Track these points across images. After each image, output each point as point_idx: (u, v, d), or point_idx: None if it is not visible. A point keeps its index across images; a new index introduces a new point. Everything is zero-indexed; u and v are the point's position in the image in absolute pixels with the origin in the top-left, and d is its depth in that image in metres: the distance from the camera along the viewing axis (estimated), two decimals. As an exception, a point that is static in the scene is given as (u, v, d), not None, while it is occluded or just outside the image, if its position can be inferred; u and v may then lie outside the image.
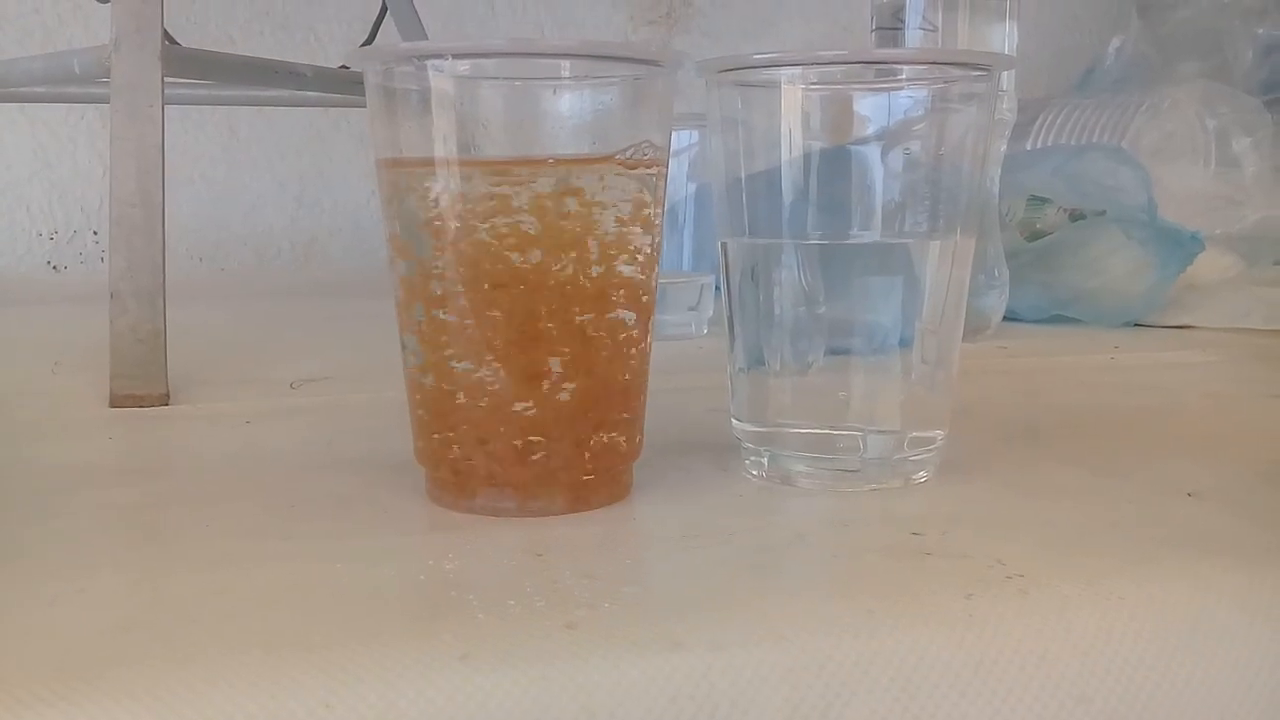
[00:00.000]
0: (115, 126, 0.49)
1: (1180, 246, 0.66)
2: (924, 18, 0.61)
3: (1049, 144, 0.84)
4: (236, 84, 0.72)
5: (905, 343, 0.35)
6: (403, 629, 0.25)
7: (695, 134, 0.69)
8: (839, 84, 0.35)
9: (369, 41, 0.86)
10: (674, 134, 0.68)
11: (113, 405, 0.46)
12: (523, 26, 1.09)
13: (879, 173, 0.35)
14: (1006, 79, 0.61)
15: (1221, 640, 0.27)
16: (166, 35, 0.82)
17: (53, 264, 1.03)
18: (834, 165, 0.34)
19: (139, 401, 0.47)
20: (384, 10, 0.83)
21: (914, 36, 0.61)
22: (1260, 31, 0.90)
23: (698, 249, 0.70)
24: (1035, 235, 0.69)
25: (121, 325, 0.47)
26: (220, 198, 1.05)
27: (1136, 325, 0.67)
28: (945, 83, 0.35)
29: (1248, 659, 0.27)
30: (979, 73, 0.35)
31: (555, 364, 0.32)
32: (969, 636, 0.25)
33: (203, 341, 0.63)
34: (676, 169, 0.69)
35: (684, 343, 0.62)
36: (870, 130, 0.35)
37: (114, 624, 0.25)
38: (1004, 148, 0.63)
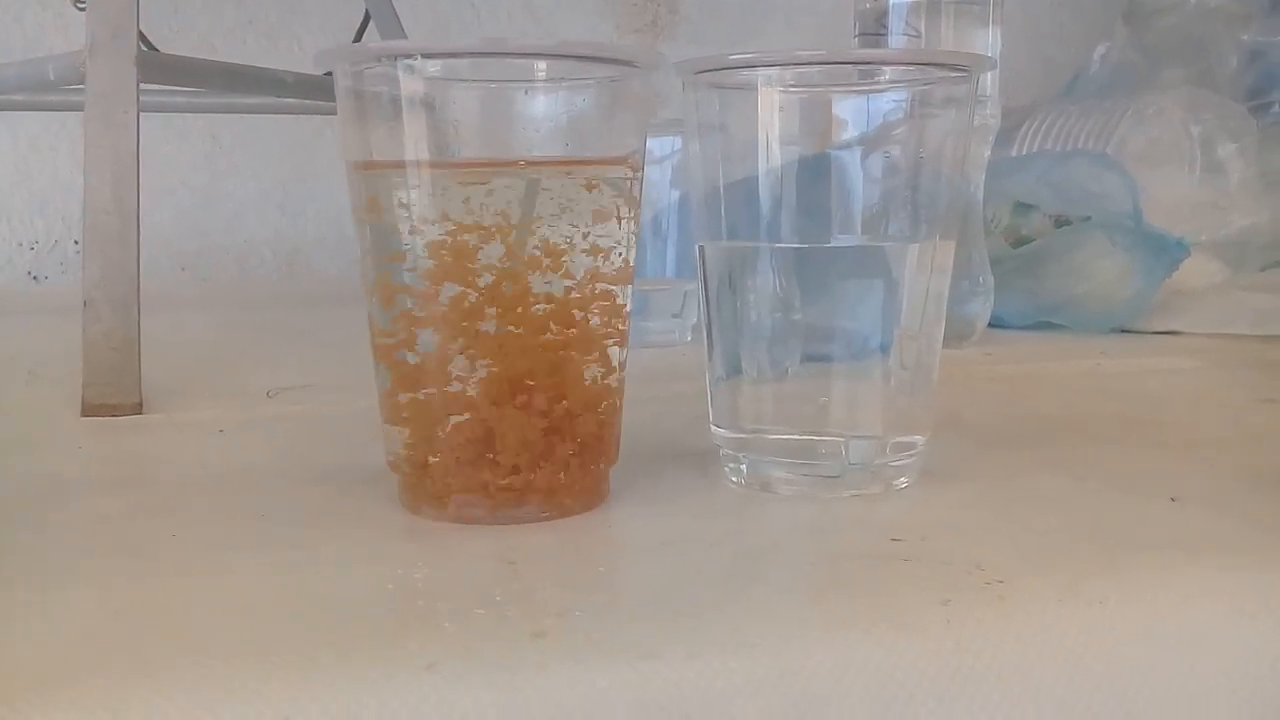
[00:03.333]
0: (90, 134, 0.48)
1: (1165, 252, 0.66)
2: (907, 24, 0.61)
3: (1035, 150, 0.83)
4: (215, 90, 0.71)
5: (884, 348, 0.35)
6: (368, 639, 0.24)
7: (679, 140, 0.69)
8: (817, 86, 0.34)
9: (352, 49, 0.85)
10: (658, 140, 0.68)
11: (85, 414, 0.46)
12: (507, 33, 1.09)
13: (857, 176, 0.34)
14: (990, 84, 0.61)
15: (1203, 646, 0.26)
16: (147, 42, 0.81)
17: (33, 274, 1.02)
18: (812, 169, 0.34)
19: (112, 410, 0.46)
20: (367, 18, 0.83)
21: (898, 43, 0.61)
22: (1245, 38, 0.90)
23: (681, 255, 0.69)
24: (1021, 241, 0.69)
25: (95, 333, 0.47)
26: (202, 206, 1.05)
27: (1122, 331, 0.67)
28: (924, 85, 0.35)
29: (1230, 664, 0.27)
30: (958, 74, 0.35)
31: (530, 370, 0.31)
32: (946, 643, 0.25)
33: (181, 350, 0.62)
34: (659, 175, 0.69)
35: (667, 350, 0.62)
36: (849, 134, 0.34)
37: (75, 636, 0.25)
38: (988, 153, 0.63)
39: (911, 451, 0.36)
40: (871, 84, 0.35)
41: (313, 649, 0.23)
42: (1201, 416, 0.48)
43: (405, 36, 0.81)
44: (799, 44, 1.14)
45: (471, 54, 0.31)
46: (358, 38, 0.84)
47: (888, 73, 0.35)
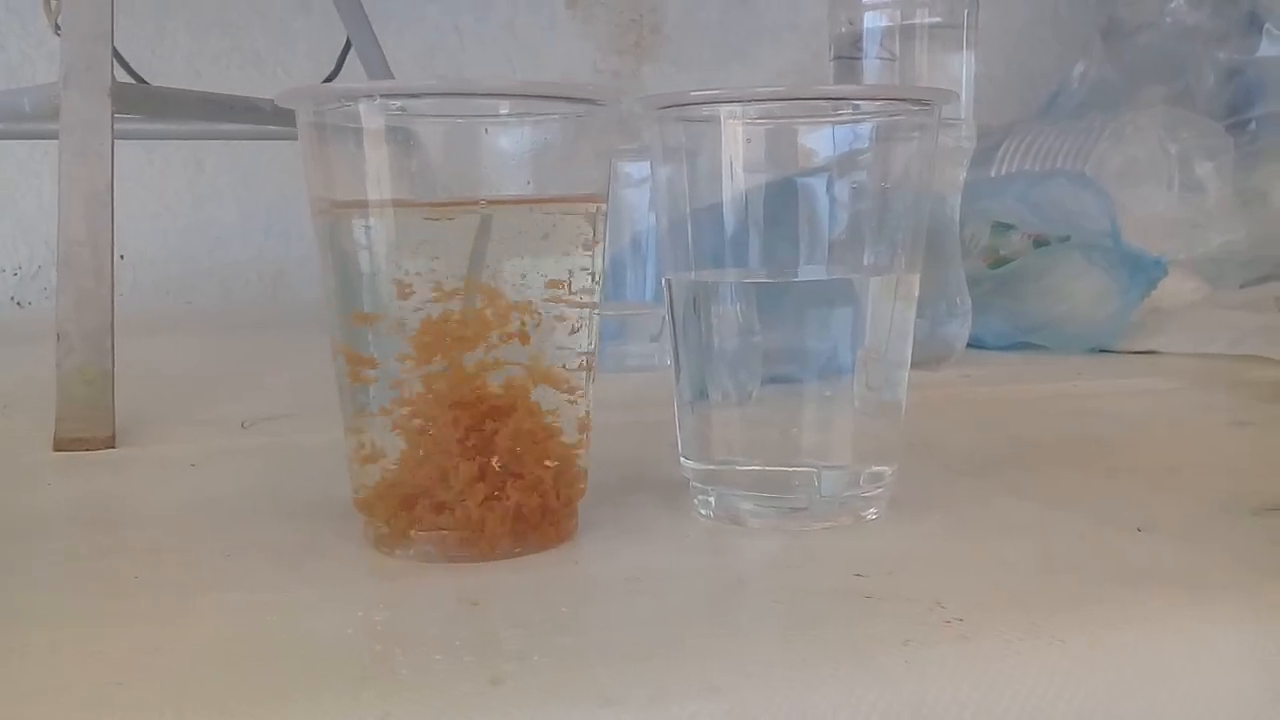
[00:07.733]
0: (64, 165, 0.48)
1: (1144, 271, 0.66)
2: (882, 47, 0.61)
3: (1013, 170, 0.84)
4: (193, 120, 0.72)
5: (850, 373, 0.35)
6: (323, 688, 0.24)
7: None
8: (779, 119, 0.34)
9: (333, 75, 0.86)
10: (637, 164, 0.68)
11: (56, 449, 0.46)
12: (491, 59, 1.09)
13: (821, 207, 0.34)
14: (964, 107, 0.61)
15: (1166, 684, 0.26)
16: (130, 70, 0.81)
17: (17, 300, 1.02)
18: (775, 200, 0.34)
19: (84, 445, 0.46)
20: (348, 45, 0.83)
21: (873, 66, 0.61)
22: (1222, 56, 0.90)
23: (660, 279, 0.69)
24: (999, 262, 0.69)
25: (68, 367, 0.47)
26: (187, 231, 1.05)
27: (1102, 351, 0.67)
28: (887, 116, 0.35)
29: (1195, 702, 0.27)
30: (919, 107, 0.35)
31: (493, 408, 0.31)
32: (906, 685, 0.25)
33: (160, 378, 0.62)
34: (638, 198, 0.69)
35: (645, 374, 0.62)
36: (811, 164, 0.34)
37: (40, 687, 0.24)
38: (964, 175, 0.63)
39: (880, 483, 0.36)
40: (833, 116, 0.35)
41: (266, 700, 0.23)
42: (1176, 440, 0.48)
43: (385, 62, 0.81)
44: (781, 64, 1.14)
45: (431, 94, 0.31)
46: (338, 63, 0.85)
47: (849, 106, 0.35)
